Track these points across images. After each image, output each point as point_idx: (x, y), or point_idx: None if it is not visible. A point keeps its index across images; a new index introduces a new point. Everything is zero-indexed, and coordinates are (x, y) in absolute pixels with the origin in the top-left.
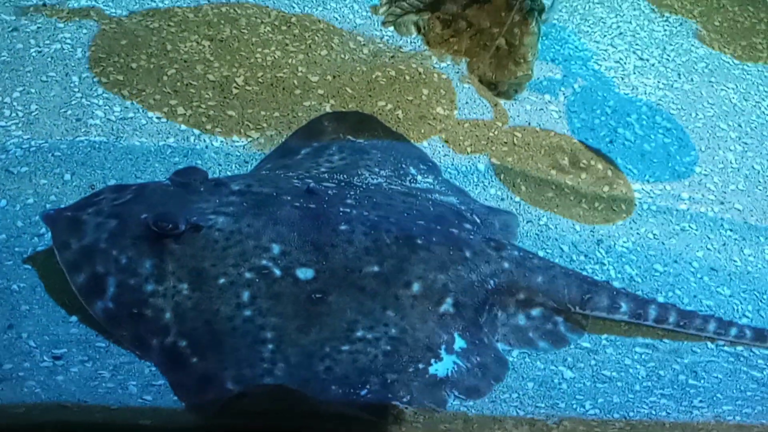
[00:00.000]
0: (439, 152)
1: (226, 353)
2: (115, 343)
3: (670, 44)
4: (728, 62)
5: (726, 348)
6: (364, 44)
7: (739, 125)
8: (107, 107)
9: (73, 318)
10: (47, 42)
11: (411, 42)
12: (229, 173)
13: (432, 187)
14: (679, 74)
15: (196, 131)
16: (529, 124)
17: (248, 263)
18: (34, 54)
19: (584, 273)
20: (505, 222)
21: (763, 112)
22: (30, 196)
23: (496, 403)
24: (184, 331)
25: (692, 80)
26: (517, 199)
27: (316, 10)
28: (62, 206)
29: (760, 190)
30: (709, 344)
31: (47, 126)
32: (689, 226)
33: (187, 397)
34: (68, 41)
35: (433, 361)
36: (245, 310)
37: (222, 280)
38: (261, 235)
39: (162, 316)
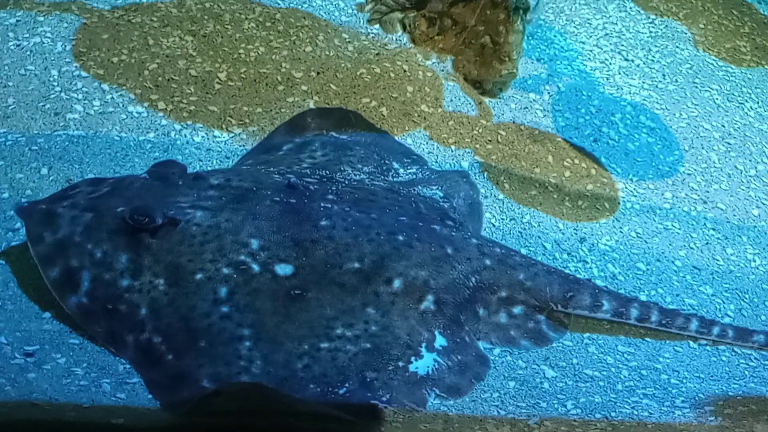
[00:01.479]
0: (423, 149)
1: (202, 350)
2: (89, 340)
3: (656, 46)
4: (712, 64)
5: (708, 347)
6: (349, 41)
7: (723, 125)
8: (86, 101)
9: (47, 314)
10: (26, 35)
11: (396, 39)
12: (210, 168)
13: (415, 177)
14: (663, 75)
15: (177, 126)
16: (514, 122)
17: (226, 258)
18: (12, 47)
19: (567, 271)
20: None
21: (747, 113)
22: (5, 191)
23: (476, 403)
24: (160, 328)
25: (677, 81)
26: (501, 196)
27: (302, 6)
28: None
29: (742, 189)
30: (692, 343)
31: (24, 120)
32: (672, 225)
33: (162, 394)
34: (48, 35)
35: (413, 359)
36: (222, 307)
37: (199, 276)
38: (240, 230)
39: (137, 312)
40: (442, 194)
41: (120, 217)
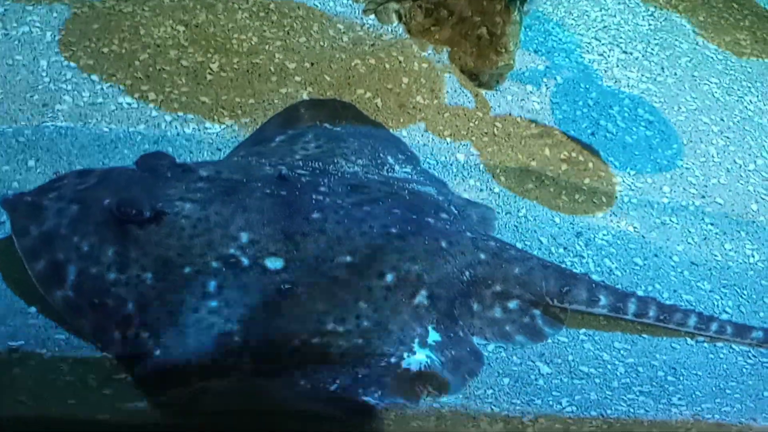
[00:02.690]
0: (419, 142)
1: (190, 346)
2: (75, 335)
3: (655, 38)
4: (712, 57)
5: (706, 344)
6: (344, 32)
7: (722, 119)
8: (76, 92)
9: (32, 309)
10: (14, 25)
11: (392, 30)
12: (200, 161)
13: (410, 176)
14: (662, 68)
15: (168, 117)
16: (511, 114)
17: (215, 252)
18: (0, 37)
19: (563, 266)
20: (482, 214)
21: (746, 107)
22: None
23: (470, 399)
24: (147, 322)
25: (675, 74)
26: (497, 189)
27: None
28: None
29: (741, 184)
30: (689, 340)
31: (12, 111)
32: (670, 220)
33: (149, 391)
34: (37, 24)
35: (406, 354)
36: (211, 301)
37: (187, 270)
38: (229, 223)
39: (124, 306)
40: (435, 190)
41: (107, 209)
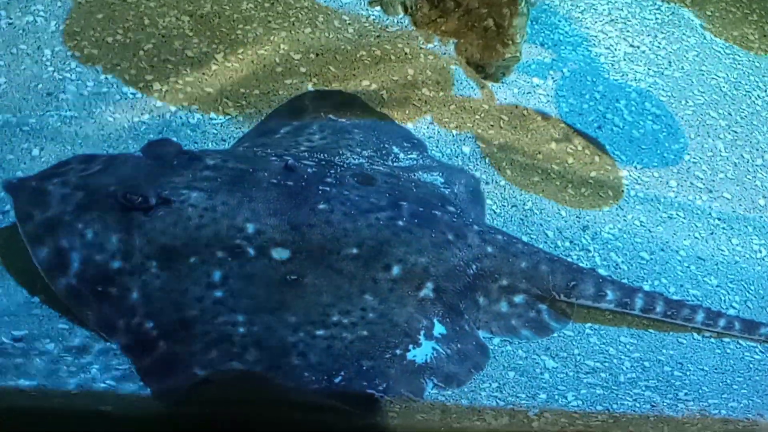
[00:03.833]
0: (424, 134)
1: (194, 336)
2: (78, 324)
3: (662, 32)
4: (720, 51)
5: (713, 339)
6: (349, 23)
7: (729, 114)
8: (80, 81)
9: (36, 298)
10: (19, 14)
11: (398, 22)
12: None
13: (415, 163)
14: (669, 62)
15: (172, 107)
16: (517, 107)
17: (221, 241)
18: (4, 26)
19: (569, 260)
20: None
21: (754, 102)
22: None
23: (475, 393)
24: (152, 312)
25: (683, 68)
26: (503, 182)
27: None
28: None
29: (749, 179)
30: (696, 335)
31: (16, 100)
32: (677, 214)
33: (153, 381)
34: (41, 14)
35: (411, 347)
36: (216, 291)
37: (193, 259)
38: (235, 213)
39: (128, 296)
40: (443, 180)
41: (112, 196)
